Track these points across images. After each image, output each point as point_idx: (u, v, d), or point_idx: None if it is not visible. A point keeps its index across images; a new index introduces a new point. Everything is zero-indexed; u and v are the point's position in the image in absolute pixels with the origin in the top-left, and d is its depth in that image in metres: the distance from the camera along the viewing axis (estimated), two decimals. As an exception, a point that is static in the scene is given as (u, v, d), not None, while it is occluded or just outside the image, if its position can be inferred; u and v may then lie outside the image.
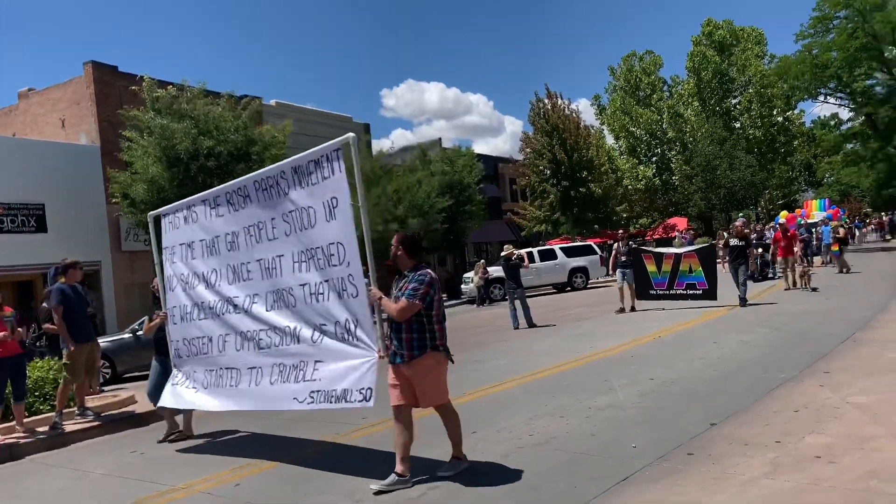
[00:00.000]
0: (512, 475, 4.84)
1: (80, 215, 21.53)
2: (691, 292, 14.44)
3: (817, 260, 21.89)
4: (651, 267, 15.06)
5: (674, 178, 45.63)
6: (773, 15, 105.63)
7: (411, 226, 25.73)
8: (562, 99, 35.39)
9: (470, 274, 26.86)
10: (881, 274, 18.44)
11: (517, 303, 14.54)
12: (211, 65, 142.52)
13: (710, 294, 14.09)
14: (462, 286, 26.83)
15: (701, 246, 16.38)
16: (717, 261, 14.71)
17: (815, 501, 3.84)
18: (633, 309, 14.94)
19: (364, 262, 5.23)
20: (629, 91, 48.44)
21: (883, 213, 43.44)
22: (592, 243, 31.16)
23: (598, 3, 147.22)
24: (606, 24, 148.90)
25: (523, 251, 26.17)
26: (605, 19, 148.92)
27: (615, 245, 16.11)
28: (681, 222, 40.84)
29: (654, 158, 48.17)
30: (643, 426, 5.76)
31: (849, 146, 42.25)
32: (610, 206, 35.86)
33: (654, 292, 15.03)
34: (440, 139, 42.56)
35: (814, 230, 23.17)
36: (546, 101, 35.23)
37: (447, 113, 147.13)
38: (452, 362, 5.06)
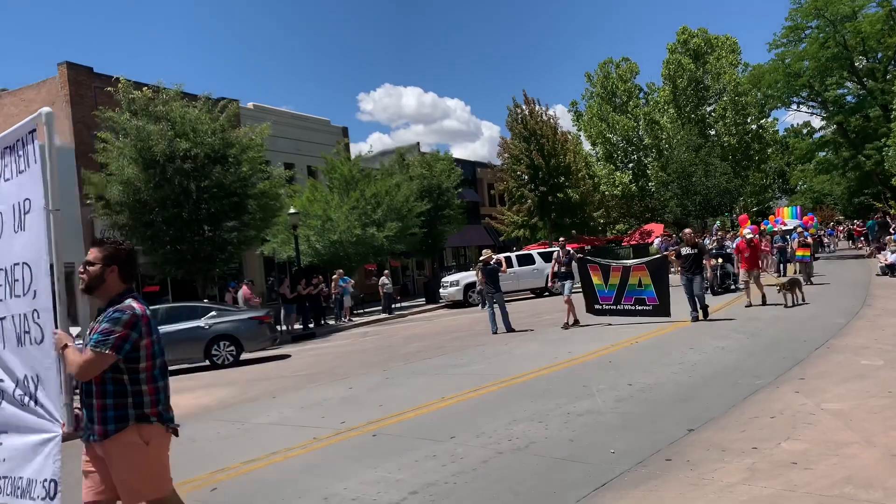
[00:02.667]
0: (492, 481, 4.84)
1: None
2: (641, 308, 13.31)
3: (791, 268, 21.92)
4: (597, 279, 13.90)
5: (650, 184, 46.16)
6: (746, 24, 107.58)
7: (390, 229, 25.68)
8: (539, 105, 35.66)
9: (449, 278, 26.86)
10: (852, 281, 18.81)
11: (496, 307, 14.57)
12: (188, 67, 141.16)
13: (662, 310, 12.99)
14: (441, 290, 26.81)
15: (652, 258, 14.96)
16: (671, 273, 13.74)
17: (791, 506, 3.89)
18: (575, 322, 13.79)
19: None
20: (606, 98, 48.92)
21: (856, 221, 44.31)
22: (570, 248, 31.32)
23: (576, 11, 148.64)
24: (583, 31, 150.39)
25: (501, 256, 26.35)
26: (582, 26, 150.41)
27: (555, 252, 14.86)
28: (657, 228, 41.27)
29: (630, 165, 48.68)
30: (622, 431, 5.80)
31: (821, 154, 43.00)
32: (587, 211, 36.13)
33: (600, 307, 13.88)
34: (418, 143, 42.64)
35: (788, 238, 23.31)
36: (524, 106, 35.43)
37: (425, 117, 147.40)
38: (176, 435, 3.68)
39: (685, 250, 13.14)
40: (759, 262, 15.33)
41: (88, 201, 20.70)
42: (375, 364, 12.00)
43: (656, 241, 29.66)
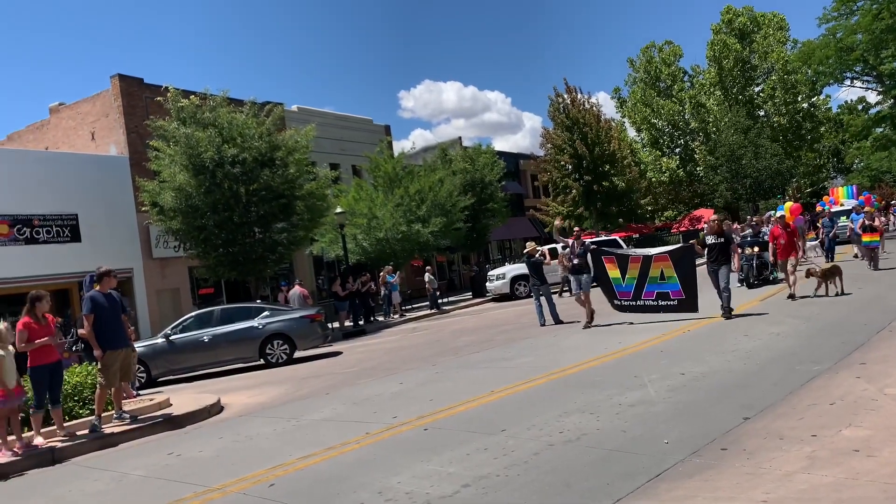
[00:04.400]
0: (543, 473, 4.85)
1: (111, 224, 21.97)
2: (664, 303, 11.98)
3: (840, 249, 20.78)
4: (614, 272, 12.56)
5: (698, 168, 45.15)
6: None
7: (435, 225, 25.79)
8: (581, 93, 35.17)
9: (495, 271, 26.82)
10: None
11: (542, 299, 14.52)
12: (232, 73, 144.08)
13: (688, 305, 11.72)
14: (487, 283, 26.79)
15: (675, 246, 13.63)
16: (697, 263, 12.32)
17: (854, 496, 3.79)
18: (590, 322, 12.72)
19: None
20: (649, 83, 48.03)
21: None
22: (618, 237, 30.93)
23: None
24: (624, 15, 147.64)
25: (546, 248, 26.18)
26: (621, 11, 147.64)
27: (570, 244, 13.46)
28: (707, 214, 40.40)
29: (677, 150, 47.72)
30: (675, 421, 5.73)
31: (878, 130, 41.44)
32: (634, 199, 35.54)
33: (619, 303, 12.63)
34: (460, 138, 42.62)
35: (837, 220, 21.69)
36: (565, 95, 35.03)
37: (465, 112, 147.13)
38: None
39: (710, 239, 11.89)
40: (797, 248, 13.87)
41: (144, 208, 21.39)
42: (425, 359, 12.10)
43: (705, 227, 28.76)
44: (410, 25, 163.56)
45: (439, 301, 26.35)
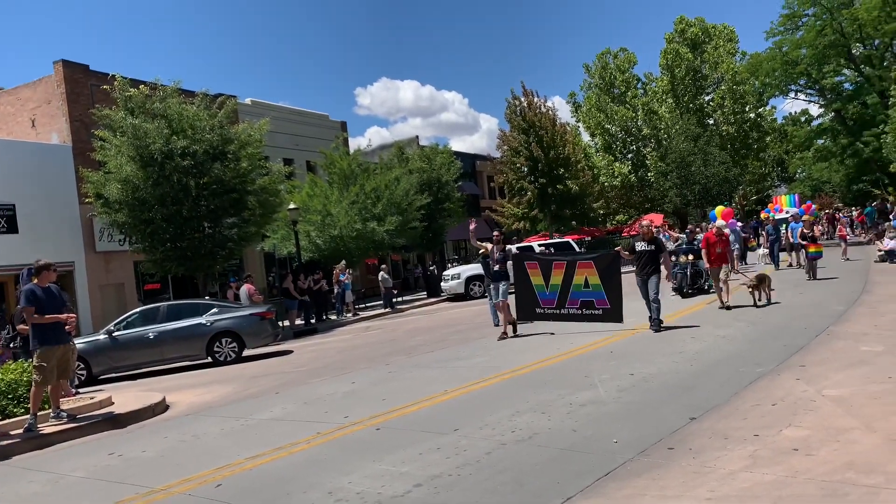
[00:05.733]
0: (495, 472, 4.86)
1: (52, 216, 21.19)
2: (588, 312, 11.44)
3: (784, 257, 21.20)
4: (537, 279, 11.89)
5: (649, 174, 46.11)
6: (743, 12, 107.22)
7: (390, 223, 25.68)
8: (538, 97, 35.51)
9: (450, 271, 26.85)
10: (851, 268, 18.81)
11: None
12: (185, 64, 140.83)
13: (613, 315, 11.22)
14: (442, 283, 26.81)
15: (601, 253, 12.94)
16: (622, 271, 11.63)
17: (793, 493, 3.91)
18: (514, 331, 12.05)
19: None
20: (604, 88, 48.82)
21: (853, 209, 44.27)
22: (570, 240, 31.40)
23: (572, 2, 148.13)
24: (581, 22, 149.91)
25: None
26: (579, 17, 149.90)
27: (489, 247, 12.45)
28: (657, 218, 41.30)
29: (629, 155, 48.63)
30: (624, 421, 5.82)
31: (819, 142, 42.97)
32: (587, 202, 36.09)
33: (542, 311, 11.93)
34: (417, 137, 42.58)
35: (782, 228, 21.98)
36: (522, 98, 35.33)
37: (423, 111, 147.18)
38: None
39: (640, 245, 11.23)
40: (729, 257, 13.40)
41: (88, 200, 20.71)
42: (378, 358, 12.03)
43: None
44: (369, 22, 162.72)
45: (394, 300, 26.25)
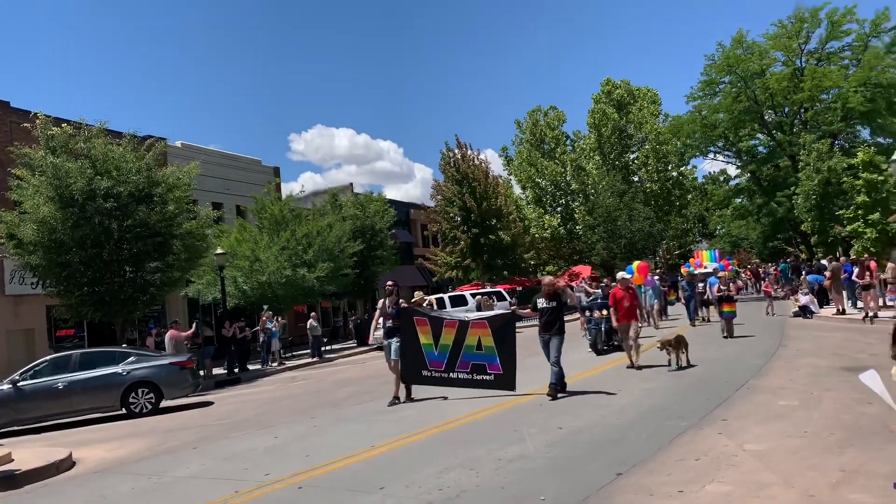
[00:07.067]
0: (422, 533, 4.71)
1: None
2: (479, 377, 10.44)
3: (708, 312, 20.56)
4: (426, 338, 10.69)
5: (578, 227, 47.35)
6: (666, 77, 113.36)
7: (321, 270, 25.32)
8: (471, 149, 36.30)
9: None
10: (768, 322, 19.63)
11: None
12: (114, 105, 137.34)
13: (505, 382, 10.25)
14: (372, 332, 26.41)
15: (497, 312, 12.13)
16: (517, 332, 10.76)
17: (717, 551, 3.93)
18: (408, 396, 10.91)
19: None
20: (535, 144, 50.28)
21: (770, 264, 46.50)
22: (502, 289, 31.76)
23: (507, 60, 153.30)
24: (514, 79, 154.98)
25: (433, 297, 26.29)
26: (511, 75, 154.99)
27: (381, 302, 11.30)
28: (585, 270, 42.33)
29: (558, 208, 49.92)
30: (552, 476, 5.78)
31: (737, 201, 45.27)
32: (518, 253, 36.72)
33: (429, 373, 10.73)
34: (351, 184, 42.56)
35: (700, 284, 21.12)
36: (456, 150, 36.01)
37: (357, 158, 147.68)
38: None
39: (542, 303, 10.37)
40: (640, 312, 12.88)
41: (-1, 240, 19.62)
42: (303, 411, 11.66)
43: (576, 285, 24.69)
44: (305, 69, 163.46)
45: (322, 349, 25.67)
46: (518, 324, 11.08)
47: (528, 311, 10.69)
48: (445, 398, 10.64)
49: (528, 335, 11.70)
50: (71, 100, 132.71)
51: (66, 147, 18.34)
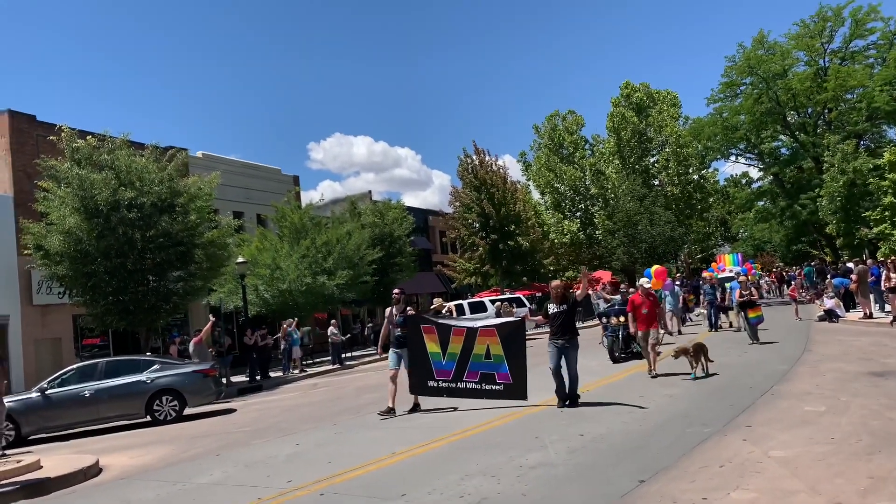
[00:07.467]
0: (443, 541, 4.70)
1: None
2: (488, 387, 10.12)
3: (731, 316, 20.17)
4: (433, 346, 10.39)
5: (597, 232, 47.07)
6: (686, 79, 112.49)
7: (341, 278, 25.45)
8: (489, 155, 36.27)
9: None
10: (792, 327, 19.35)
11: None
12: (136, 117, 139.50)
13: (516, 391, 9.93)
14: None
15: (505, 320, 11.84)
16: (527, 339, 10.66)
17: (742, 559, 3.88)
18: (415, 407, 10.66)
19: None
20: (553, 149, 50.11)
21: (795, 268, 45.95)
22: (521, 295, 31.67)
23: (524, 65, 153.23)
24: (532, 84, 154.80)
25: (452, 304, 26.31)
26: (529, 81, 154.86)
27: (388, 311, 11.06)
28: (605, 275, 42.06)
29: (578, 213, 49.66)
30: (574, 484, 5.74)
31: (759, 203, 44.79)
32: (537, 258, 36.58)
33: (436, 384, 10.44)
34: (370, 192, 42.78)
35: (723, 286, 21.52)
36: (474, 156, 36.00)
37: (375, 166, 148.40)
38: None
39: (552, 308, 9.90)
40: (660, 318, 12.47)
41: (27, 251, 19.97)
42: (324, 418, 11.70)
43: (595, 292, 25.07)
44: (323, 78, 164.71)
45: (343, 356, 25.78)
46: (532, 331, 10.88)
47: (541, 317, 10.41)
48: (455, 409, 10.42)
49: (541, 343, 11.26)
50: (95, 112, 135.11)
51: (91, 159, 18.69)
